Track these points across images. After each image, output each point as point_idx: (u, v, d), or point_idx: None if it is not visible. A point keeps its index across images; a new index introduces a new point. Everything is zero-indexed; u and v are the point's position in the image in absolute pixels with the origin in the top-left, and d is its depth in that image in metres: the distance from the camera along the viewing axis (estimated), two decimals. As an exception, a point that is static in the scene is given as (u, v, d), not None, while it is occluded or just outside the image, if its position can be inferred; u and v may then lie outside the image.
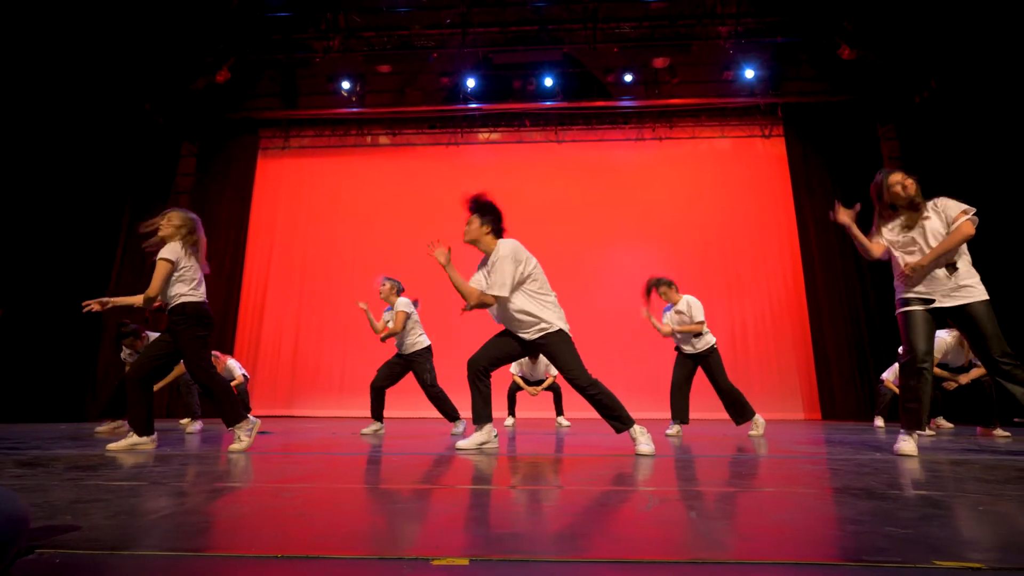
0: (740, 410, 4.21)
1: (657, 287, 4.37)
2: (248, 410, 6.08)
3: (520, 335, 2.94)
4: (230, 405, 2.94)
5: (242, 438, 2.90)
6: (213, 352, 5.90)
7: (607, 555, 0.94)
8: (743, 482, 1.90)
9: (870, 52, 8.01)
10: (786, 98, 8.88)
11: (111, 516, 1.22)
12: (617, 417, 2.76)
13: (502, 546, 0.99)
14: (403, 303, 4.41)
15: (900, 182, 2.75)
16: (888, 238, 2.86)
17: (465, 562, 0.89)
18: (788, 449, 3.09)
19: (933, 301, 2.70)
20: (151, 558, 0.92)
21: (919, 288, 2.74)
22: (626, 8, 8.62)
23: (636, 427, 2.74)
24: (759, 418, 4.21)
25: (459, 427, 4.37)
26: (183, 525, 1.16)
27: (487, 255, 3.00)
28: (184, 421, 5.14)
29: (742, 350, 8.50)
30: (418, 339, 4.43)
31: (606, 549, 0.98)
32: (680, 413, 4.29)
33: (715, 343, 4.28)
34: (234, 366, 6.03)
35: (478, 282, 3.01)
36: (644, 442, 2.68)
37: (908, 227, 2.77)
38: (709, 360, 4.24)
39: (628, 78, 8.79)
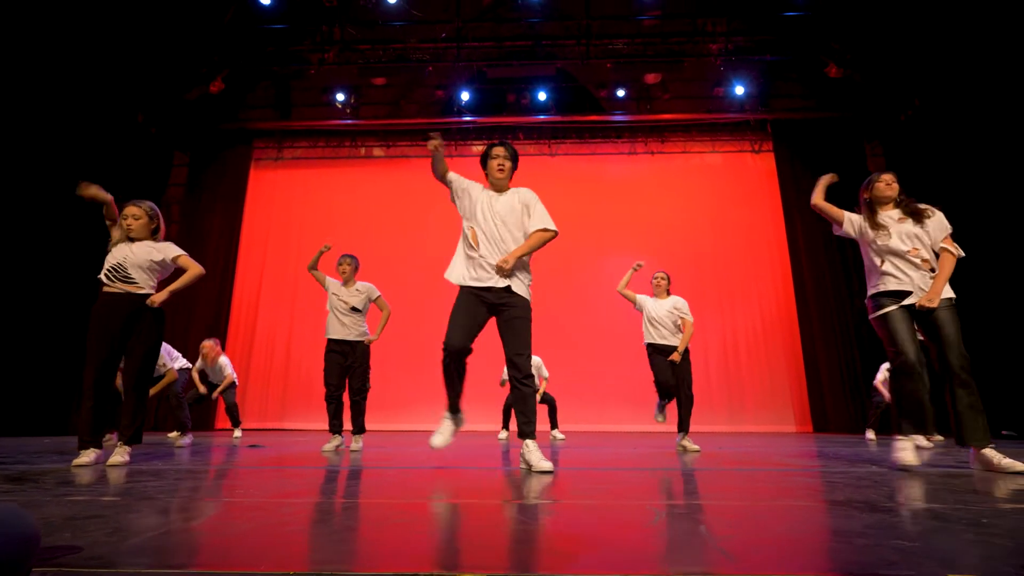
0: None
1: (654, 277, 4.66)
2: (238, 423, 6.02)
3: (500, 284, 2.70)
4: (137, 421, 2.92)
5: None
6: (208, 341, 5.84)
7: (589, 570, 0.93)
8: (740, 495, 1.89)
9: (856, 71, 8.19)
10: (775, 114, 9.04)
11: (110, 533, 1.19)
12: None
13: (468, 561, 0.98)
14: (376, 290, 4.29)
15: (888, 182, 2.99)
16: (879, 220, 2.98)
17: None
18: (781, 462, 3.10)
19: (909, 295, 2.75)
20: (156, 576, 0.90)
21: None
22: (619, 25, 8.76)
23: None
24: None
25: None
26: (177, 543, 1.14)
27: (494, 193, 2.86)
28: (172, 435, 5.05)
29: (734, 363, 8.55)
30: (365, 328, 4.38)
31: (590, 564, 0.98)
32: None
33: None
34: (225, 363, 5.92)
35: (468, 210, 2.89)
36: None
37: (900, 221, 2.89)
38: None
39: (621, 93, 8.91)
